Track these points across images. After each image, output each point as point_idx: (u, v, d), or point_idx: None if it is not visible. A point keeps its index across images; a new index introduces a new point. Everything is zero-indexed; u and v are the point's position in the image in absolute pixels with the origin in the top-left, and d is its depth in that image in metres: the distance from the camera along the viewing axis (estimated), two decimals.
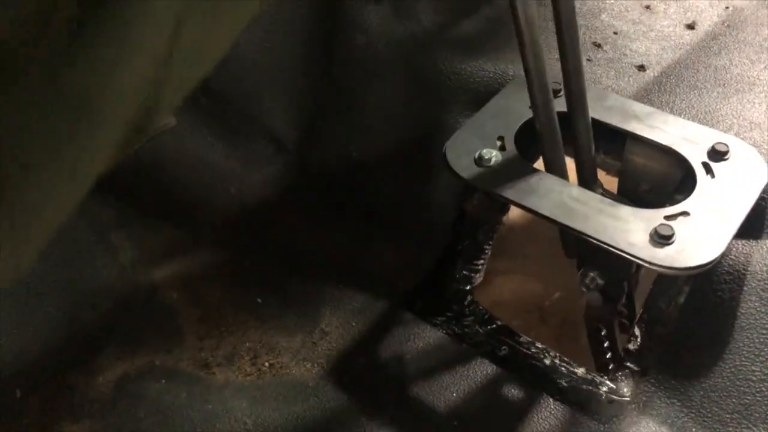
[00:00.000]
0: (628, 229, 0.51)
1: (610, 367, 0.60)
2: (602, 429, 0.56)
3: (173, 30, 0.21)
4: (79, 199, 0.22)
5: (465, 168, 0.56)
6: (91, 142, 0.20)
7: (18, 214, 0.20)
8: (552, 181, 0.55)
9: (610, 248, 0.50)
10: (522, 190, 0.54)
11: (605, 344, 0.59)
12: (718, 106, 0.63)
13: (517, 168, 0.56)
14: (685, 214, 0.52)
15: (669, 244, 0.50)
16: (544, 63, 0.49)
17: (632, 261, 0.52)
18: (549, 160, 0.55)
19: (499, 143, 0.58)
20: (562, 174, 0.55)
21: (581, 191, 0.54)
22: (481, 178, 0.56)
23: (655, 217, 0.51)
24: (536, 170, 0.56)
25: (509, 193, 0.55)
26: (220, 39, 0.25)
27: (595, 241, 0.51)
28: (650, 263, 0.49)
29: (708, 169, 0.55)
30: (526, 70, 0.50)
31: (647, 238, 0.50)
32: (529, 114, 0.61)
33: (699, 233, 0.50)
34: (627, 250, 0.50)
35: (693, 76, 0.67)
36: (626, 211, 0.52)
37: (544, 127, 0.53)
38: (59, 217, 0.22)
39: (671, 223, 0.51)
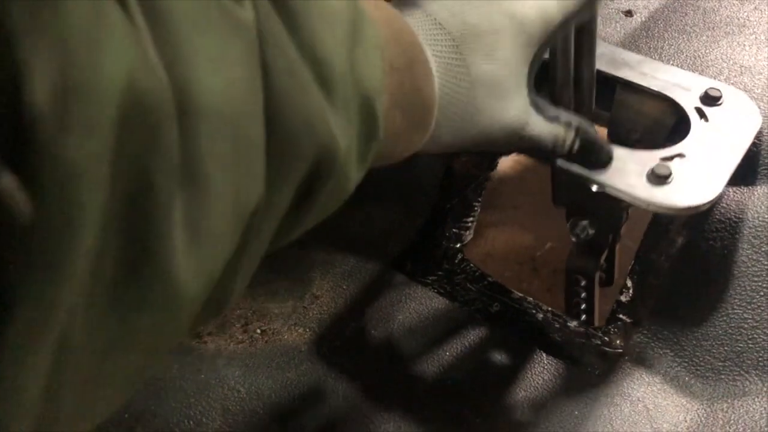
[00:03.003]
0: (625, 170, 0.50)
1: (582, 316, 0.60)
2: (595, 382, 0.56)
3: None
4: None
5: None
6: None
7: None
8: None
9: (608, 188, 0.49)
10: None
11: (582, 295, 0.59)
12: (707, 51, 0.62)
13: None
14: (680, 155, 0.50)
15: (666, 184, 0.49)
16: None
17: (625, 206, 0.51)
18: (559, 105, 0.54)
19: None
20: None
21: None
22: None
23: (651, 158, 0.50)
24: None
25: None
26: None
27: (591, 182, 0.49)
28: (649, 203, 0.48)
29: (701, 114, 0.53)
30: None
31: (644, 178, 0.49)
32: None
33: (696, 174, 0.49)
34: (625, 190, 0.49)
35: (681, 20, 0.65)
36: (622, 152, 0.51)
37: (562, 76, 0.51)
38: None
39: (668, 163, 0.50)
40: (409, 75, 0.34)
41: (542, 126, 0.42)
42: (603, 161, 0.49)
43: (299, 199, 0.28)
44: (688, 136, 0.52)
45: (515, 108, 0.40)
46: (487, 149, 0.43)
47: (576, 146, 0.45)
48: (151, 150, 0.20)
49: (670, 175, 0.49)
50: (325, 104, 0.27)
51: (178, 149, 0.21)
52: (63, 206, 0.18)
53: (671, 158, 0.50)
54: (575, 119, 0.44)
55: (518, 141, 0.42)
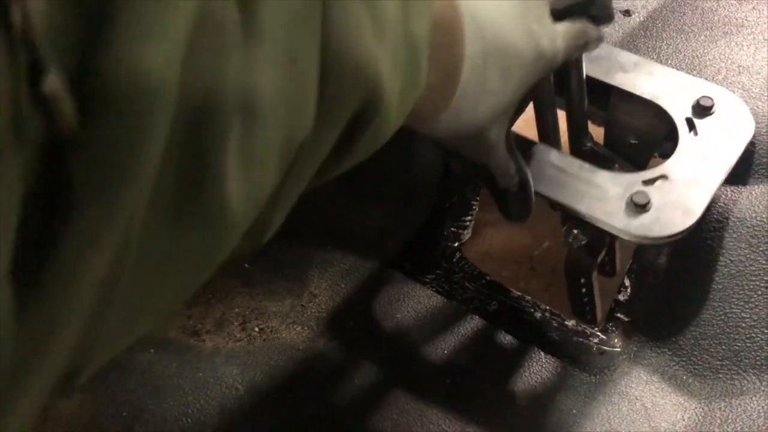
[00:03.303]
0: (606, 197, 0.50)
1: (587, 315, 0.60)
2: (594, 380, 0.57)
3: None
4: None
5: None
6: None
7: None
8: (531, 146, 0.53)
9: (586, 217, 0.50)
10: None
11: (583, 290, 0.59)
12: (705, 51, 0.62)
13: None
14: (663, 177, 0.51)
15: (645, 212, 0.49)
16: None
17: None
18: (542, 125, 0.54)
19: None
20: (556, 138, 0.54)
21: (561, 157, 0.53)
22: None
23: (633, 182, 0.50)
24: (515, 134, 0.54)
25: None
26: (169, 294, 0.25)
27: (571, 210, 0.50)
28: (625, 233, 0.49)
29: (691, 126, 0.53)
30: None
31: (623, 205, 0.49)
32: None
33: (675, 199, 0.49)
34: (603, 220, 0.49)
35: (679, 20, 0.65)
36: (605, 177, 0.51)
37: (544, 92, 0.51)
38: None
39: (648, 189, 0.50)
40: (448, 34, 0.35)
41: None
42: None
43: (342, 140, 0.29)
44: (674, 155, 0.52)
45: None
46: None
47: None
48: (218, 67, 0.21)
49: (648, 203, 0.49)
50: (377, 48, 0.28)
51: (240, 77, 0.22)
52: (135, 114, 0.19)
53: (654, 180, 0.50)
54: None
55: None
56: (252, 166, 0.23)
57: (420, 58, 0.32)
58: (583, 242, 0.53)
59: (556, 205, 0.54)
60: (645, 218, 0.49)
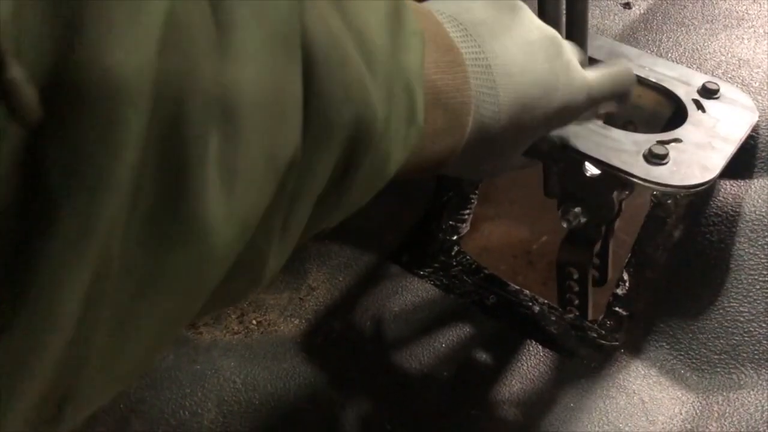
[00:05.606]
0: (621, 149, 0.50)
1: (574, 312, 0.60)
2: (591, 374, 0.56)
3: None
4: None
5: None
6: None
7: None
8: None
9: (604, 166, 0.49)
10: None
11: (575, 289, 0.58)
12: (705, 44, 0.62)
13: None
14: (677, 140, 0.51)
15: (663, 164, 0.49)
16: None
17: (618, 196, 0.51)
18: None
19: None
20: None
21: None
22: None
23: (647, 140, 0.50)
24: None
25: None
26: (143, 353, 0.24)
27: (587, 158, 0.49)
28: (645, 180, 0.48)
29: (699, 105, 0.54)
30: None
31: (641, 158, 0.49)
32: None
33: (691, 158, 0.49)
34: (621, 167, 0.48)
35: (680, 13, 0.65)
36: (618, 133, 0.51)
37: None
38: None
39: (664, 146, 0.50)
40: (451, 74, 0.35)
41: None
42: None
43: (339, 176, 0.28)
44: (685, 123, 0.52)
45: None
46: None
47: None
48: (192, 67, 0.21)
49: (666, 155, 0.49)
50: (366, 75, 0.27)
51: (215, 82, 0.21)
52: (108, 118, 0.18)
53: (668, 142, 0.50)
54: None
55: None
56: (235, 181, 0.22)
57: (415, 93, 0.31)
58: (582, 223, 0.52)
59: (557, 178, 0.53)
60: (663, 169, 0.48)
